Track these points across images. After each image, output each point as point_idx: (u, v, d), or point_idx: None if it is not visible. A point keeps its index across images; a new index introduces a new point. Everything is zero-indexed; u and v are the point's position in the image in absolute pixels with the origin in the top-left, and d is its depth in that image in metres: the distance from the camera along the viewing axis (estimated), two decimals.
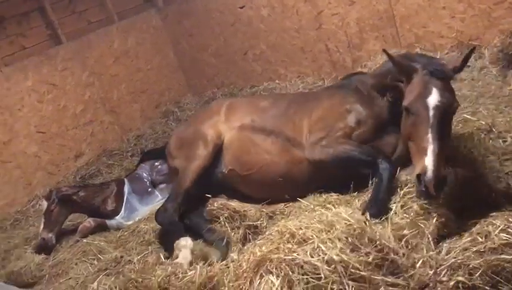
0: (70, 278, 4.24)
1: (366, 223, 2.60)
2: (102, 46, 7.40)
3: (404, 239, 2.55)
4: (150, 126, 7.54)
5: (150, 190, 5.06)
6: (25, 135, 6.47)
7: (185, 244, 3.60)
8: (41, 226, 4.87)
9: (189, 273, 3.28)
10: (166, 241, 3.85)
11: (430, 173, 2.73)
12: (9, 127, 6.33)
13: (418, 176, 2.81)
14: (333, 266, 2.31)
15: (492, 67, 4.84)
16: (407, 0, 5.52)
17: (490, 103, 4.27)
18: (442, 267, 2.30)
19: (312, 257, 2.35)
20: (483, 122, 3.76)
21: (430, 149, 2.81)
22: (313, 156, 3.68)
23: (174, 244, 3.65)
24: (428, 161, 2.77)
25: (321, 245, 2.40)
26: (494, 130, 3.64)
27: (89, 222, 4.93)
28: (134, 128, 7.59)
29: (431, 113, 2.93)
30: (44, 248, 4.85)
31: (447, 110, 2.97)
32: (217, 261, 3.34)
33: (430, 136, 2.86)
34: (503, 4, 4.90)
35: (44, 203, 4.91)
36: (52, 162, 6.69)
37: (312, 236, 2.46)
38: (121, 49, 7.60)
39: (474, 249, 2.40)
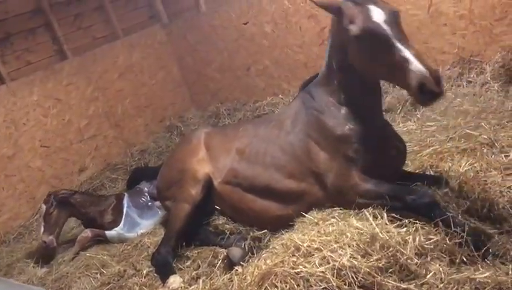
0: None
1: (379, 230, 2.59)
2: (107, 62, 7.48)
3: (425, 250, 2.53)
4: (153, 140, 7.57)
5: (150, 204, 5.08)
6: (29, 149, 6.52)
7: (174, 281, 3.62)
8: (42, 230, 4.90)
9: (192, 287, 3.29)
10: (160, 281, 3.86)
11: (427, 73, 2.56)
12: (14, 141, 6.38)
13: (419, 87, 2.57)
14: (343, 272, 2.32)
15: (494, 82, 4.87)
16: (409, 16, 5.58)
17: (492, 118, 4.29)
18: (450, 279, 2.30)
19: (320, 266, 2.36)
20: (486, 137, 3.77)
21: (410, 55, 2.65)
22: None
23: (164, 283, 3.68)
24: (417, 65, 2.60)
25: (330, 254, 2.41)
26: (496, 144, 3.65)
27: (86, 232, 4.98)
28: (138, 142, 7.62)
29: (385, 26, 2.79)
30: (46, 251, 4.92)
31: (396, 16, 2.88)
32: (238, 262, 3.31)
33: (399, 45, 2.71)
34: (504, 20, 4.96)
35: (43, 207, 4.97)
36: (56, 176, 6.72)
37: (319, 248, 2.47)
38: (125, 64, 7.67)
39: (480, 263, 2.40)
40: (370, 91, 3.31)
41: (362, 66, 3.08)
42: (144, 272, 3.97)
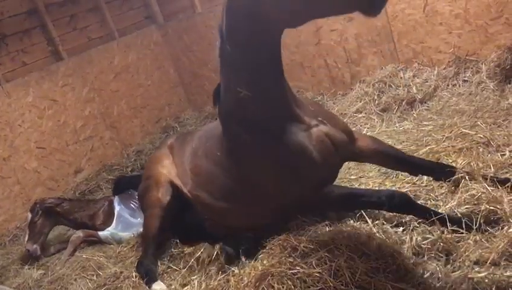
0: None
1: (375, 230, 2.59)
2: (103, 62, 7.45)
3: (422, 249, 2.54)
4: (150, 141, 7.55)
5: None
6: (25, 150, 6.49)
7: (157, 289, 3.60)
8: (26, 238, 4.97)
9: (187, 287, 3.27)
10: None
11: None
12: (9, 142, 6.34)
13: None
14: (340, 273, 2.32)
15: (489, 81, 4.88)
16: (405, 16, 5.59)
17: (488, 117, 4.30)
18: (447, 279, 2.30)
19: (317, 267, 2.36)
20: (482, 136, 3.78)
21: None
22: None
23: None
24: None
25: (327, 254, 2.40)
26: (492, 143, 3.66)
27: (78, 233, 4.98)
28: (135, 143, 7.60)
29: None
30: (31, 259, 4.97)
31: None
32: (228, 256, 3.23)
33: None
34: (499, 20, 4.97)
35: (29, 215, 5.00)
36: (52, 178, 6.69)
37: (316, 248, 2.47)
38: (121, 65, 7.65)
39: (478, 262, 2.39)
40: (276, 82, 3.07)
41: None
42: (133, 274, 3.93)
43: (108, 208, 5.06)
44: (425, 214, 2.84)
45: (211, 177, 3.60)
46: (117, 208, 5.01)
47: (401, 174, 3.67)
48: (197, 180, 3.79)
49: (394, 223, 2.80)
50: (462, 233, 2.71)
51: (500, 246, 2.44)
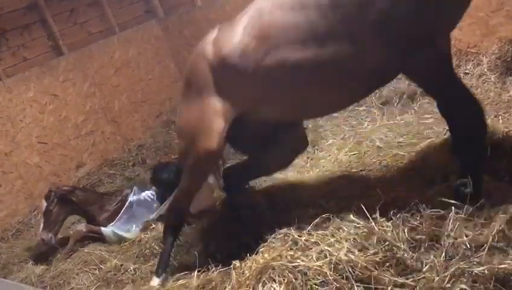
0: (72, 289, 4.24)
1: (375, 224, 2.59)
2: (104, 57, 7.45)
3: (417, 241, 2.53)
4: (151, 136, 7.57)
5: (155, 205, 4.91)
6: (27, 145, 6.51)
7: (153, 281, 3.62)
8: (41, 227, 4.84)
9: (180, 281, 3.27)
10: None
11: None
12: (10, 138, 6.37)
13: None
14: (340, 267, 2.33)
15: (490, 74, 4.86)
16: None
17: (489, 109, 4.29)
18: (446, 273, 2.30)
19: (317, 261, 2.37)
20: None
21: None
22: None
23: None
24: None
25: (328, 248, 2.41)
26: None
27: (81, 226, 4.94)
28: (136, 138, 7.62)
29: None
30: (44, 249, 4.93)
31: None
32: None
33: None
34: (500, 12, 4.94)
35: (44, 203, 4.88)
36: (53, 173, 6.72)
37: (316, 242, 2.48)
38: (122, 60, 7.65)
39: (478, 255, 2.39)
40: None
41: None
42: (132, 268, 3.95)
43: (120, 205, 4.94)
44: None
45: (302, 22, 2.80)
46: (129, 203, 4.86)
47: (402, 165, 3.67)
48: (272, 39, 2.96)
49: (387, 217, 2.81)
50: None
51: (495, 231, 2.44)
